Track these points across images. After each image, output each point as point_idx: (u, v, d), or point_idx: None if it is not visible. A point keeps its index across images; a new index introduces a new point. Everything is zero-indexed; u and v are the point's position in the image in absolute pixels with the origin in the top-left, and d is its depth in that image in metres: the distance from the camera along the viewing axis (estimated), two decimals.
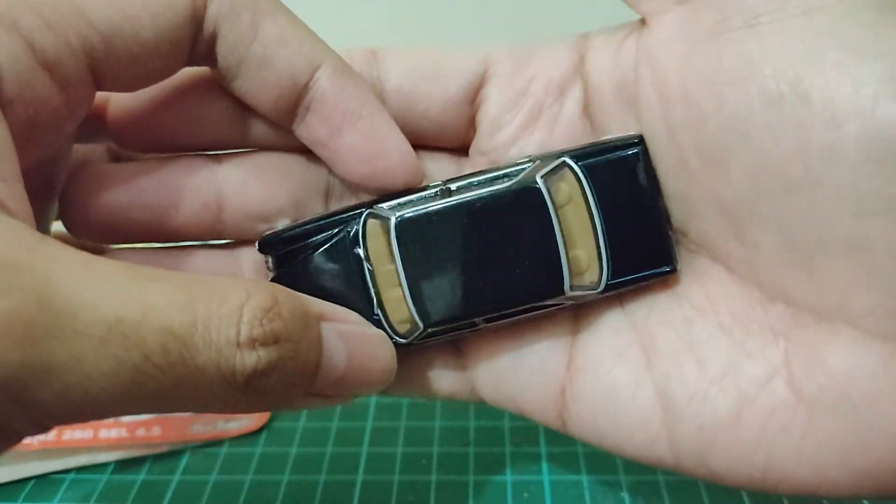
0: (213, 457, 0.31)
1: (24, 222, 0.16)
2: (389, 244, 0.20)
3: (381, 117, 0.21)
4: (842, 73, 0.16)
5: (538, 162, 0.21)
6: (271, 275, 0.22)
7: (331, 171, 0.22)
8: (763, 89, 0.17)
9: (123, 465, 0.31)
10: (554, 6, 0.39)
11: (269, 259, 0.22)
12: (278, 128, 0.22)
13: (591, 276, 0.21)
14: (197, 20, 0.19)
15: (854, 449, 0.18)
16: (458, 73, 0.22)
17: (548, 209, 0.20)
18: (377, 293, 0.21)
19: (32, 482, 0.30)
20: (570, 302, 0.21)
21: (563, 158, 0.21)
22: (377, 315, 0.21)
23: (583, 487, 0.29)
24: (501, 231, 0.20)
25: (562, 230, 0.20)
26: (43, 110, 0.18)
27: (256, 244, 0.22)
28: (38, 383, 0.14)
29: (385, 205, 0.21)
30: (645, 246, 0.21)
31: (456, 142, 0.23)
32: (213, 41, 0.20)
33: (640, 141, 0.20)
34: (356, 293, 0.21)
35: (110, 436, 0.31)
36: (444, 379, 0.23)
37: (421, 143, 0.23)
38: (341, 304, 0.20)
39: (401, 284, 0.20)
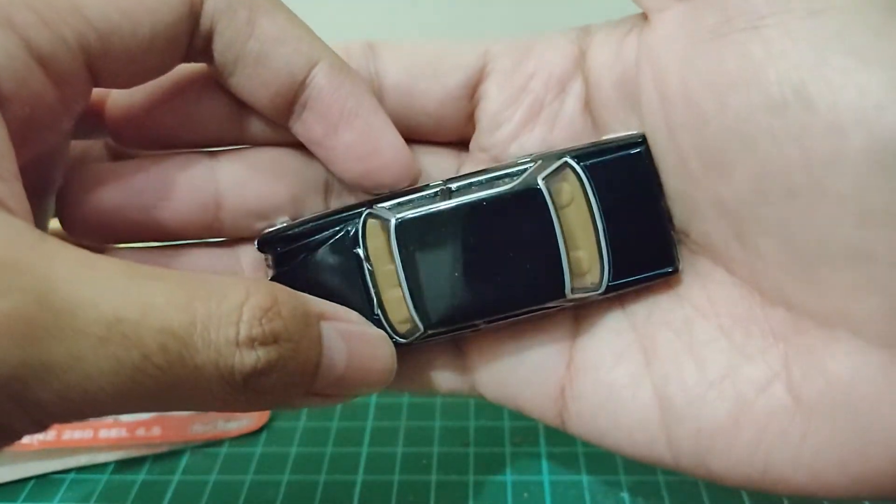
0: (213, 457, 0.31)
1: (23, 220, 0.15)
2: (389, 245, 0.20)
3: (378, 116, 0.21)
4: (847, 79, 0.16)
5: (539, 162, 0.20)
6: (271, 273, 0.22)
7: (327, 169, 0.22)
8: (766, 95, 0.17)
9: (123, 465, 0.31)
10: (554, 6, 0.39)
11: (269, 257, 0.22)
12: (275, 124, 0.22)
13: (592, 278, 0.21)
14: (194, 16, 0.19)
15: (852, 454, 0.17)
16: (457, 69, 0.22)
17: (549, 211, 0.20)
18: (377, 293, 0.21)
19: (32, 482, 0.30)
20: (571, 303, 0.21)
21: (564, 159, 0.20)
22: (377, 315, 0.21)
23: (583, 487, 0.29)
24: (502, 233, 0.20)
25: (563, 232, 0.20)
26: (39, 107, 0.18)
27: (256, 242, 0.22)
28: (37, 382, 0.14)
29: (385, 205, 0.21)
30: (647, 246, 0.21)
31: (454, 136, 0.23)
32: (209, 37, 0.20)
33: (642, 140, 0.20)
34: (356, 293, 0.21)
35: (110, 436, 0.31)
36: (444, 377, 0.23)
37: (419, 138, 0.23)
38: (341, 304, 0.20)
39: (401, 286, 0.20)
